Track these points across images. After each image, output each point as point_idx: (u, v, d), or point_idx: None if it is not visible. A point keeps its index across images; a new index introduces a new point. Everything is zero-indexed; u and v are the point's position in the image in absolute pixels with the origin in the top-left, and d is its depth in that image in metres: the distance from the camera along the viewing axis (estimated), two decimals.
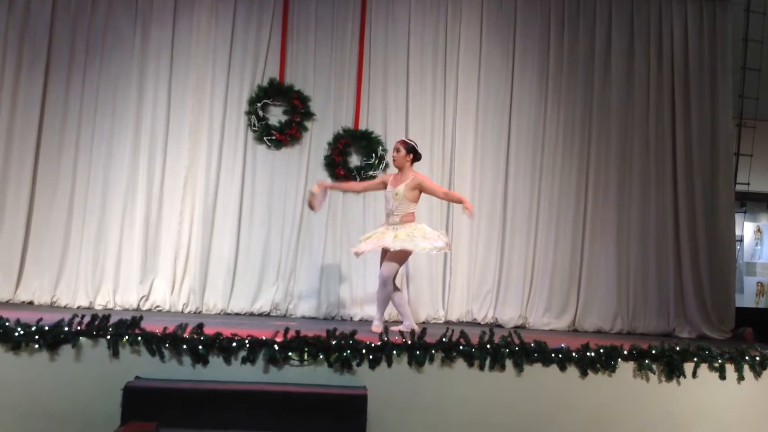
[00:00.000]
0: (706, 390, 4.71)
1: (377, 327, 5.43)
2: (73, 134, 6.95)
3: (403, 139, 5.86)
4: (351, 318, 6.93)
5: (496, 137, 7.30)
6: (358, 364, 4.43)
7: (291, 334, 4.47)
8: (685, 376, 4.68)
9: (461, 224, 7.17)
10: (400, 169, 5.67)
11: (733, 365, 4.76)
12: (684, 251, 7.14)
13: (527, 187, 7.25)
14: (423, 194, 5.71)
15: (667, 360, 4.67)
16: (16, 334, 4.25)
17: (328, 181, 7.02)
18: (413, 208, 5.60)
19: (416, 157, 5.71)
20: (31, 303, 6.70)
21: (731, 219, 7.37)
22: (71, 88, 6.99)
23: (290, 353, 4.39)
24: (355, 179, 7.04)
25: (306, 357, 4.39)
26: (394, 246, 5.36)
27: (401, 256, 5.48)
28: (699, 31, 7.41)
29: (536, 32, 7.39)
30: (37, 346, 4.26)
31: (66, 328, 4.30)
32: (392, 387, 4.43)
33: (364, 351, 4.43)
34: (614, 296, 7.12)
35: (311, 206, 5.75)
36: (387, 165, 7.12)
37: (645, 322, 7.10)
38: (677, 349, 4.75)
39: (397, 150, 5.65)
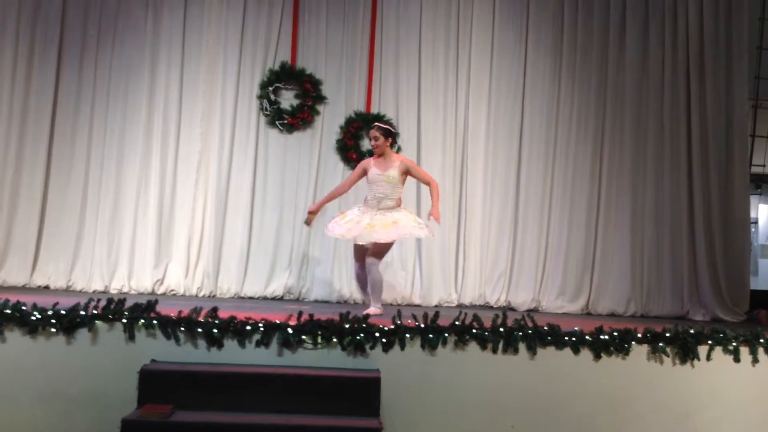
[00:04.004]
0: (720, 373, 4.69)
1: (374, 310, 5.39)
2: (87, 119, 7.00)
3: (377, 124, 5.70)
4: (364, 302, 6.93)
5: (509, 119, 7.26)
6: (372, 348, 4.44)
7: (304, 317, 4.49)
8: (699, 359, 4.66)
9: (474, 207, 7.17)
10: (382, 154, 5.58)
11: (747, 348, 4.73)
12: (698, 234, 7.09)
13: (540, 170, 7.21)
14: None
15: (681, 343, 4.65)
16: (33, 318, 4.29)
17: (340, 163, 7.07)
18: (401, 191, 5.59)
19: (395, 139, 5.67)
20: (47, 287, 6.77)
21: (746, 201, 7.30)
22: (84, 73, 7.02)
23: (304, 336, 4.40)
24: None
25: (319, 340, 4.41)
26: (374, 239, 5.33)
27: (386, 247, 5.48)
28: (714, 11, 7.30)
29: (550, 13, 7.31)
30: (53, 329, 4.30)
31: (82, 312, 4.34)
32: (405, 370, 4.44)
33: (377, 334, 4.44)
34: (628, 279, 7.09)
35: (308, 224, 5.80)
36: (399, 149, 7.10)
37: (659, 305, 7.08)
38: (691, 331, 4.72)
39: (376, 138, 5.54)
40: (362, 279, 5.74)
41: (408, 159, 5.69)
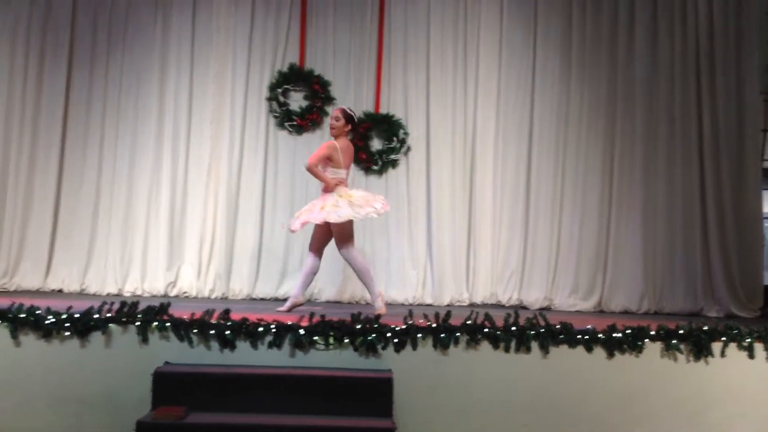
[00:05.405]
0: (734, 369, 4.65)
1: (380, 308, 5.42)
2: (98, 123, 7.05)
3: (343, 107, 5.76)
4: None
5: (518, 117, 7.23)
6: (383, 348, 4.45)
7: (316, 318, 4.50)
8: (713, 356, 4.63)
9: (484, 206, 7.14)
10: (336, 137, 5.61)
11: (762, 344, 4.69)
12: (711, 230, 7.04)
13: (551, 168, 7.17)
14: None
15: (695, 339, 4.62)
16: (47, 322, 4.34)
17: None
18: (341, 174, 5.55)
19: (354, 127, 5.74)
20: (60, 291, 6.82)
21: (759, 196, 7.23)
22: (94, 78, 7.07)
23: (316, 337, 4.42)
24: (376, 163, 7.08)
25: (331, 341, 4.42)
26: (319, 219, 5.36)
27: (339, 229, 5.47)
28: (724, 4, 7.23)
29: (558, 10, 7.26)
30: (67, 333, 4.34)
31: (96, 316, 4.38)
32: (417, 370, 4.44)
33: (388, 335, 4.45)
34: (641, 276, 7.04)
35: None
36: (409, 148, 7.11)
37: (672, 302, 7.02)
38: (705, 328, 4.69)
39: (337, 118, 5.59)
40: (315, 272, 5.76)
41: (332, 142, 5.61)
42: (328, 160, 5.51)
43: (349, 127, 5.67)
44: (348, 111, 5.67)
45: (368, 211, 5.39)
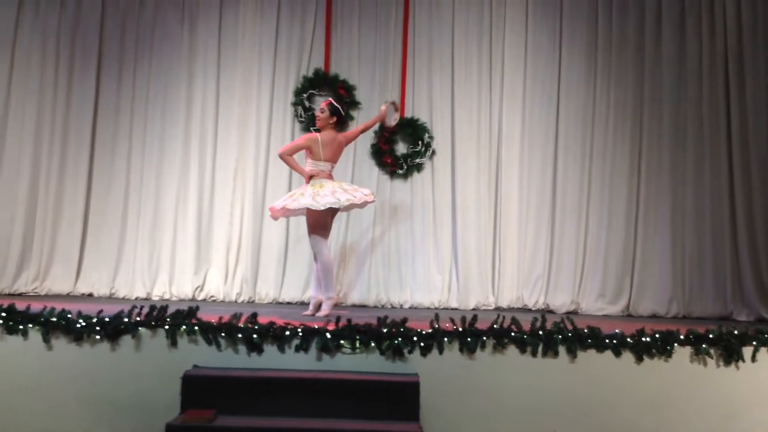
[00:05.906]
0: (765, 374, 4.58)
1: (324, 311, 5.40)
2: (126, 129, 7.15)
3: (331, 100, 5.84)
4: (401, 305, 6.97)
5: (544, 121, 7.20)
6: (410, 352, 4.45)
7: (342, 322, 4.52)
8: (743, 360, 4.57)
9: (510, 209, 7.11)
10: (321, 129, 5.68)
11: None
12: (741, 233, 6.94)
13: (577, 171, 7.13)
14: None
15: (725, 344, 4.56)
16: (78, 325, 4.40)
17: (374, 167, 7.09)
18: (321, 166, 5.56)
19: (340, 120, 5.74)
20: (90, 295, 6.93)
21: None
22: (123, 84, 7.18)
23: (342, 341, 4.43)
24: (401, 167, 7.09)
25: (358, 345, 4.43)
26: (280, 205, 5.47)
27: (309, 217, 5.49)
28: (752, 4, 7.12)
29: (584, 12, 7.22)
30: (98, 336, 4.40)
31: (126, 319, 4.44)
32: (444, 374, 4.44)
33: (415, 338, 4.45)
34: (669, 280, 6.96)
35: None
36: (434, 152, 7.11)
37: (701, 306, 6.93)
38: (735, 332, 4.62)
39: (322, 110, 5.67)
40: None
41: (314, 134, 5.68)
42: (309, 151, 5.58)
43: (335, 119, 5.68)
44: (334, 104, 5.73)
45: (329, 201, 5.36)
